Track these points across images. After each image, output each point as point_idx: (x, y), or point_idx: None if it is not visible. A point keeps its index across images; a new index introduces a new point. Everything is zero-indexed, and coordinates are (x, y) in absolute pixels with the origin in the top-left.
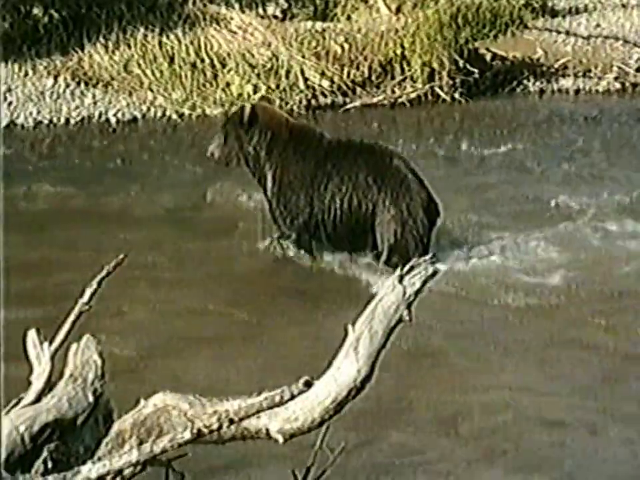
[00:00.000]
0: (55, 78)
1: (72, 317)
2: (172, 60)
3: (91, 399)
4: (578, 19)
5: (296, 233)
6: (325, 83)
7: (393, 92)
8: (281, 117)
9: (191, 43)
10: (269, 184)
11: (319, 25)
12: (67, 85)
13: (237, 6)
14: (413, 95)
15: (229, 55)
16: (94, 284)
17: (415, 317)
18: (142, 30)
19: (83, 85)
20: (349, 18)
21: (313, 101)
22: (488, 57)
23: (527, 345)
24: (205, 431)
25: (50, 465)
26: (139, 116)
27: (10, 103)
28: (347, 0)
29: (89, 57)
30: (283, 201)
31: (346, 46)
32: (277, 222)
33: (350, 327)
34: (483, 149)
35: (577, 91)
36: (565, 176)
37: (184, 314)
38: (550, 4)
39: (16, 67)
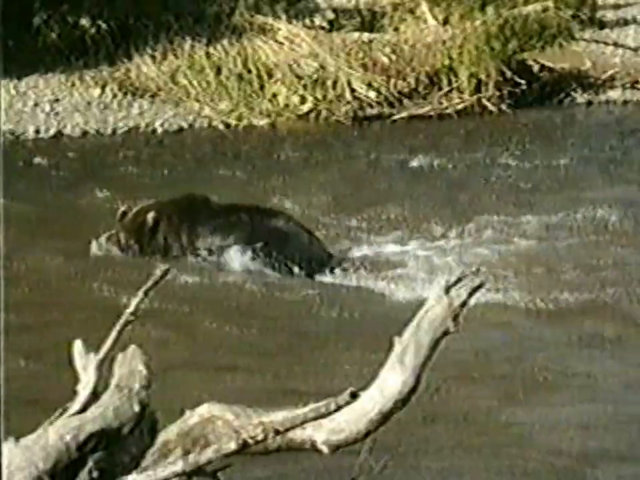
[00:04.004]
0: (102, 88)
1: (118, 327)
2: (219, 71)
3: (136, 408)
4: (626, 31)
5: None
6: (372, 94)
7: (440, 103)
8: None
9: (238, 53)
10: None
11: (366, 36)
12: (114, 95)
13: (284, 17)
14: (460, 106)
15: (275, 65)
16: (140, 294)
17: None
18: (189, 41)
19: (130, 95)
20: (396, 29)
21: (360, 112)
22: (535, 68)
23: None
24: (251, 441)
25: (95, 474)
26: (185, 126)
27: (57, 113)
28: (395, 11)
29: (137, 68)
30: None
31: (393, 57)
32: None
33: (396, 339)
34: (531, 160)
35: (625, 102)
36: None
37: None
38: (598, 15)
39: (63, 77)
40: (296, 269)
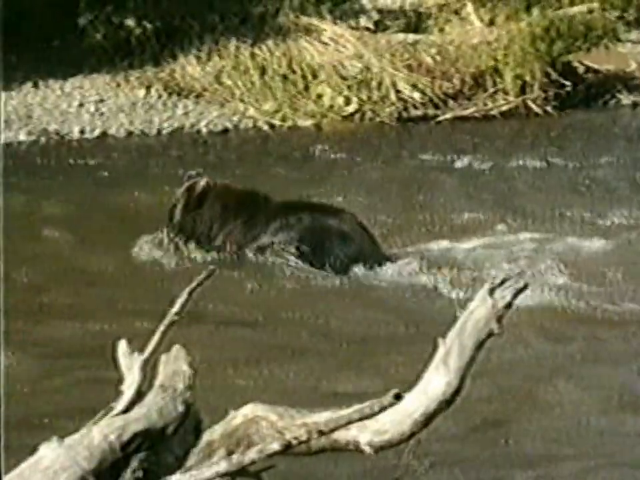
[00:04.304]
0: (148, 89)
1: (162, 327)
2: (263, 71)
3: (180, 409)
4: None
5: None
6: (417, 95)
7: (485, 104)
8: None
9: (283, 54)
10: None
11: (411, 37)
12: (159, 96)
13: (329, 17)
14: (504, 108)
15: (320, 66)
16: (185, 294)
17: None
18: (234, 41)
19: (175, 95)
20: (441, 30)
21: (404, 113)
22: (581, 69)
23: None
24: (294, 442)
25: (139, 474)
26: (230, 127)
27: (102, 114)
28: (440, 12)
29: (182, 68)
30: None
31: (438, 58)
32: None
33: (440, 340)
34: (574, 162)
35: None
36: None
37: None
38: None
39: (108, 77)
40: (353, 269)
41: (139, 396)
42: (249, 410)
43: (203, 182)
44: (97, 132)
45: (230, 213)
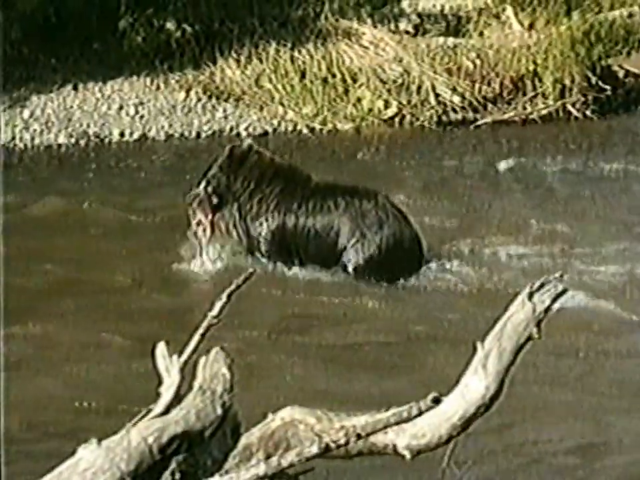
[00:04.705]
0: (187, 92)
1: (201, 330)
2: (303, 75)
3: (219, 411)
4: None
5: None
6: (456, 99)
7: (525, 108)
8: (266, 158)
9: (323, 57)
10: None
11: (450, 41)
12: (199, 99)
13: (369, 21)
14: (544, 112)
15: (360, 70)
16: (223, 297)
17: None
18: (274, 45)
19: (214, 99)
20: (481, 34)
21: (444, 117)
22: (621, 73)
23: None
24: (333, 445)
25: (177, 476)
26: (269, 130)
27: (142, 117)
28: (480, 16)
29: (221, 71)
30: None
31: (478, 62)
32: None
33: (479, 344)
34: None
35: None
36: None
37: None
38: None
39: (148, 80)
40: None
41: (178, 398)
42: (287, 413)
43: (246, 144)
44: (136, 135)
45: (265, 180)
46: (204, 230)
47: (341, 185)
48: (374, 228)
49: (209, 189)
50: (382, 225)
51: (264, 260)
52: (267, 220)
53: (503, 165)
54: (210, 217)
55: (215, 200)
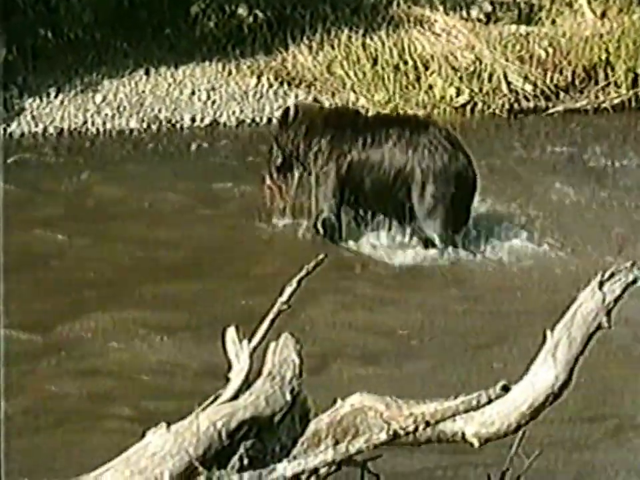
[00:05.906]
0: (259, 77)
1: (271, 316)
2: (375, 61)
3: (288, 397)
4: None
5: (329, 210)
6: (528, 87)
7: (597, 97)
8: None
9: (395, 44)
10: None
11: (523, 29)
12: (270, 85)
13: (441, 8)
14: (616, 101)
15: (432, 57)
16: (293, 283)
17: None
18: (346, 31)
19: (285, 85)
20: (553, 22)
21: (516, 105)
22: None
23: None
24: (401, 432)
25: (246, 461)
26: None
27: (214, 102)
28: (552, 4)
29: (293, 57)
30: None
31: (550, 50)
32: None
33: (548, 332)
34: None
35: None
36: None
37: None
38: None
39: (220, 66)
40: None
41: (247, 383)
42: (357, 399)
43: (291, 103)
44: (207, 120)
45: (316, 130)
46: (272, 193)
47: (391, 116)
48: (426, 159)
49: (273, 152)
50: (434, 156)
51: (332, 217)
52: (325, 174)
53: (573, 154)
54: (275, 178)
55: (278, 162)
